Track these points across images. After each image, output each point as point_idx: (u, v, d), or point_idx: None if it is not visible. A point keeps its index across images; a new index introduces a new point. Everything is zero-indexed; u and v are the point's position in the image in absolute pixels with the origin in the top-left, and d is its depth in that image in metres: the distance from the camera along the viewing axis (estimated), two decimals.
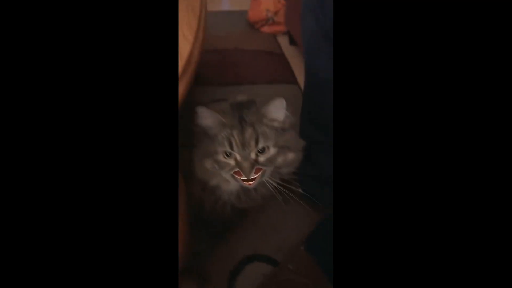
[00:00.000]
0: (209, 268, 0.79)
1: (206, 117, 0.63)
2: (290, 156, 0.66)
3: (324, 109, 0.80)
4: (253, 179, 0.62)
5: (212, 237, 0.84)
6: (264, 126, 0.63)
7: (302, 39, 0.82)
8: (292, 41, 1.61)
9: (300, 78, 1.40)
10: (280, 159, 0.65)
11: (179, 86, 0.41)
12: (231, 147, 0.62)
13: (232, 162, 0.63)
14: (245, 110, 0.65)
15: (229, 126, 0.62)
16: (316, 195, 0.91)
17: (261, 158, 0.63)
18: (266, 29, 1.75)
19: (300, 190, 0.95)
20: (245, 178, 0.62)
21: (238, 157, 0.62)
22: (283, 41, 1.69)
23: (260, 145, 0.62)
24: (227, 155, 0.63)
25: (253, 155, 0.62)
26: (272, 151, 0.64)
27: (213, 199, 0.71)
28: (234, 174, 0.63)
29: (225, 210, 0.74)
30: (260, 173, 0.62)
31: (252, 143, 0.61)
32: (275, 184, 0.66)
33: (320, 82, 0.79)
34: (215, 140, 0.63)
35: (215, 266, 0.80)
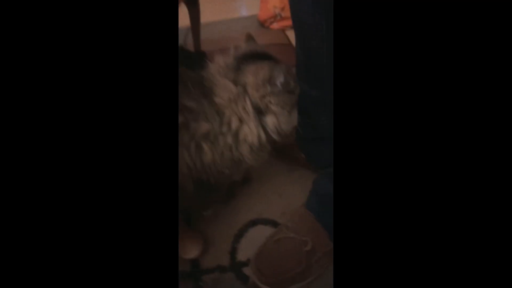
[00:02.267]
0: (214, 231, 0.83)
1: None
2: None
3: (316, 61, 0.73)
4: None
5: (217, 202, 0.87)
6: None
7: None
8: None
9: None
10: None
11: None
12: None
13: None
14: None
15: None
16: (312, 155, 0.91)
17: None
18: (275, 25, 1.80)
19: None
20: None
21: None
22: (291, 35, 1.68)
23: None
24: None
25: None
26: None
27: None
28: None
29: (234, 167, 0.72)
30: None
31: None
32: None
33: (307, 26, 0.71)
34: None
35: (219, 230, 0.84)
